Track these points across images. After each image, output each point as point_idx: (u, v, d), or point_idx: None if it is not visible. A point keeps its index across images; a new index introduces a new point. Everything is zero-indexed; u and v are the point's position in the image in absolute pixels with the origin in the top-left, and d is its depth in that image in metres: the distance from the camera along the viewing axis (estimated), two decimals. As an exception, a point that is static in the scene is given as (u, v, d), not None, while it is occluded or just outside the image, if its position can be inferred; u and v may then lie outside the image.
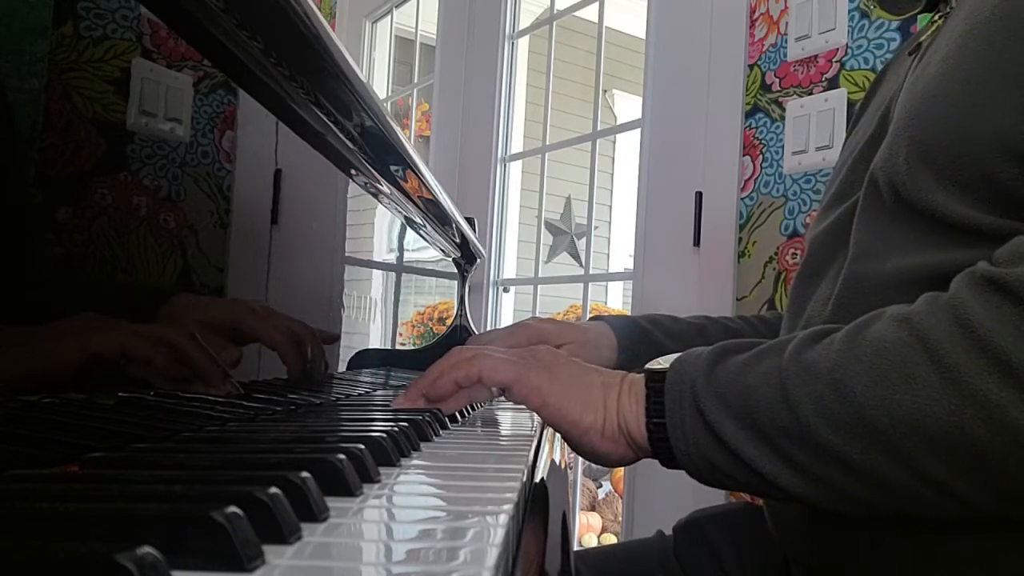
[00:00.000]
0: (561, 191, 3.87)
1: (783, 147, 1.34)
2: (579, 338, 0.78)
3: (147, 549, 0.19)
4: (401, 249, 1.08)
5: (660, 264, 1.56)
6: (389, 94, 2.82)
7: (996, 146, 0.45)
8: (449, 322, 1.36)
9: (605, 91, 4.00)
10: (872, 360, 0.42)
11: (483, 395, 0.63)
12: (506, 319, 2.07)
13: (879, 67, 1.06)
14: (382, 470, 0.38)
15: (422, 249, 1.21)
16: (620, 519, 2.63)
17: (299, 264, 0.71)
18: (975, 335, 0.40)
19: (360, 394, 0.83)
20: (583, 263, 3.31)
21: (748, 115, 1.41)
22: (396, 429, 0.45)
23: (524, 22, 2.16)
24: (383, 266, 1.00)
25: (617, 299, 4.15)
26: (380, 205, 0.95)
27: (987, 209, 0.47)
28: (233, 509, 0.23)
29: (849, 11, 1.26)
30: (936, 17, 0.61)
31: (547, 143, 2.06)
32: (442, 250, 1.30)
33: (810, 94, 1.30)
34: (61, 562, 0.19)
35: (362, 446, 0.37)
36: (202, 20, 0.49)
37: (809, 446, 0.43)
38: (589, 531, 2.70)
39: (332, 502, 0.30)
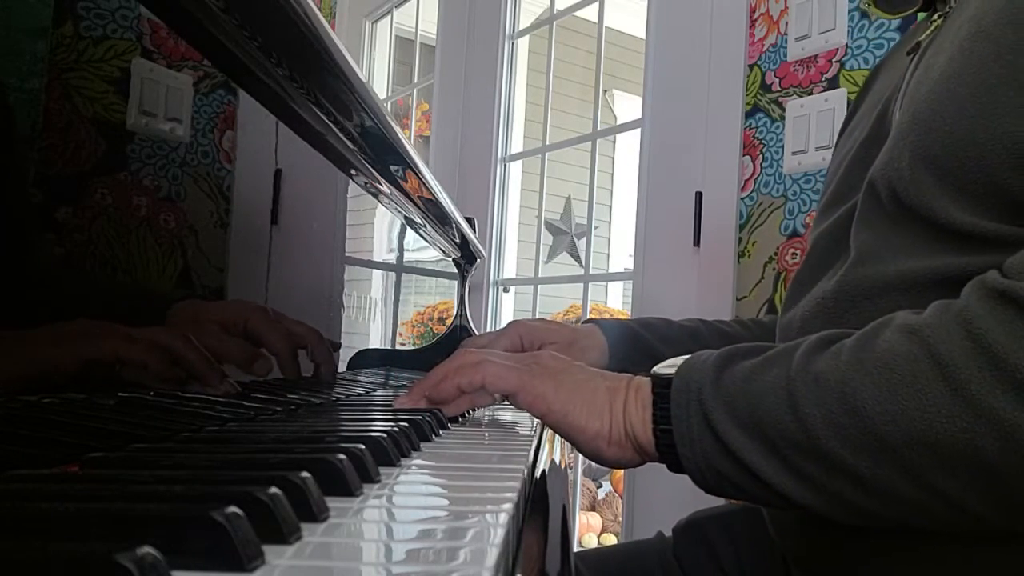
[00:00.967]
0: (561, 191, 3.86)
1: (783, 147, 1.34)
2: (567, 338, 0.78)
3: (147, 549, 0.19)
4: (401, 249, 1.08)
5: (660, 264, 1.56)
6: (389, 94, 2.82)
7: (1004, 153, 0.45)
8: (449, 322, 1.36)
9: (605, 91, 4.00)
10: (882, 373, 0.41)
11: (486, 401, 0.63)
12: (506, 319, 2.07)
13: (879, 67, 1.06)
14: (382, 470, 0.38)
15: (422, 249, 1.21)
16: (620, 519, 2.63)
17: (299, 264, 0.71)
18: (988, 350, 0.39)
19: (360, 394, 0.83)
20: (583, 263, 3.31)
21: (748, 115, 1.41)
22: (396, 429, 0.45)
23: (524, 22, 2.16)
24: (383, 266, 1.00)
25: (617, 299, 4.15)
26: (380, 205, 0.95)
27: (992, 216, 0.46)
28: (233, 509, 0.23)
29: (849, 11, 1.26)
30: (935, 17, 0.60)
31: (547, 143, 2.06)
32: (442, 250, 1.30)
33: (810, 94, 1.30)
34: (61, 562, 0.19)
35: (362, 446, 0.37)
36: (202, 20, 0.49)
37: (818, 458, 0.43)
38: (589, 531, 2.70)
39: (332, 502, 0.30)
